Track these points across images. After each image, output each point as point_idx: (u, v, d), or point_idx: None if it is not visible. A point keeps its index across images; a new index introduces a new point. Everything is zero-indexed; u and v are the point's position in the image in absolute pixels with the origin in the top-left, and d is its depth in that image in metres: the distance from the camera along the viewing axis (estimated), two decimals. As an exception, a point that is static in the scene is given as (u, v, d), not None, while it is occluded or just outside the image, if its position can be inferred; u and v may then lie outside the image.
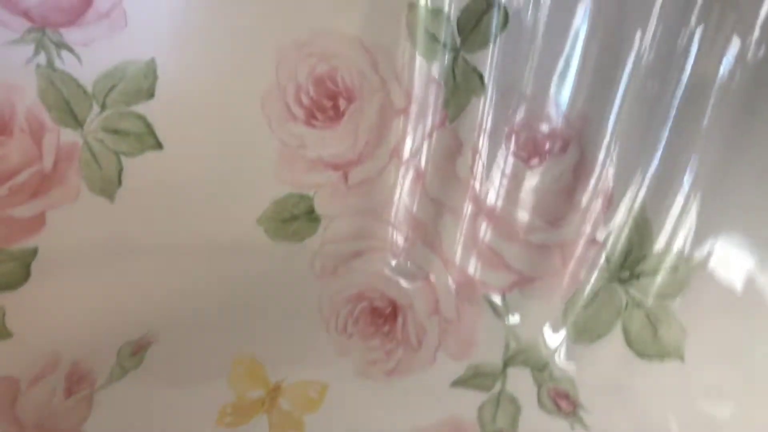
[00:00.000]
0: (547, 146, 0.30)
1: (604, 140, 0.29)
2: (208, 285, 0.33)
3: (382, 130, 0.33)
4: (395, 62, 0.31)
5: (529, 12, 0.28)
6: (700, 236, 0.28)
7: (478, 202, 0.32)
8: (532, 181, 0.31)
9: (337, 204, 0.33)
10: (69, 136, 0.31)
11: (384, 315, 0.34)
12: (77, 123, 0.31)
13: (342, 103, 0.32)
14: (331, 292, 0.34)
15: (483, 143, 0.31)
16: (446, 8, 0.29)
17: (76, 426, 0.32)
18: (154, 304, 0.34)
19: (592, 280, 0.30)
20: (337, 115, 0.33)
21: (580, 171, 0.30)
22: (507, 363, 0.33)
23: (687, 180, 0.28)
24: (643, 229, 0.29)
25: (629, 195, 0.29)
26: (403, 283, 0.34)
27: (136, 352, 0.34)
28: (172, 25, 0.31)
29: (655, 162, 0.28)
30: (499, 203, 0.32)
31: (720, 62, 0.26)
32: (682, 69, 0.27)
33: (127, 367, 0.33)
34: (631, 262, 0.29)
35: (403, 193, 0.33)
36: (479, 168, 0.32)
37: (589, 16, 0.28)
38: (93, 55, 0.31)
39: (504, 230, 0.32)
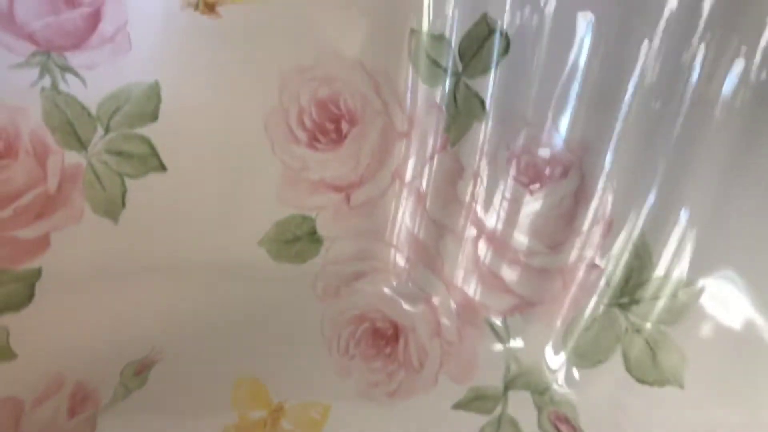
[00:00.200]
0: (548, 171, 0.30)
1: (604, 166, 0.29)
2: (211, 305, 0.34)
3: (383, 153, 0.33)
4: (397, 86, 0.31)
5: (530, 39, 0.28)
6: (699, 264, 0.28)
7: (480, 225, 0.32)
8: (532, 205, 0.31)
9: (339, 225, 0.33)
10: (73, 158, 0.32)
11: (386, 337, 0.34)
12: (81, 145, 0.32)
13: (344, 126, 0.33)
14: (333, 314, 0.34)
15: (484, 167, 0.31)
16: (448, 34, 0.29)
17: (78, 446, 0.32)
18: (158, 325, 0.34)
19: (592, 305, 0.30)
20: (340, 137, 0.33)
21: (580, 196, 0.30)
22: (508, 386, 0.33)
23: (687, 206, 0.28)
24: (642, 255, 0.29)
25: (629, 221, 0.29)
26: (405, 305, 0.34)
27: (139, 372, 0.34)
28: (176, 48, 0.31)
29: (656, 188, 0.28)
30: (500, 227, 0.32)
31: (722, 86, 0.26)
32: (683, 93, 0.27)
33: (131, 387, 0.33)
34: (631, 287, 0.29)
35: (404, 215, 0.33)
36: (480, 192, 0.32)
37: (589, 43, 0.28)
38: (97, 78, 0.31)
39: (505, 254, 0.32)
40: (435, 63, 0.31)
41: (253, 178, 0.33)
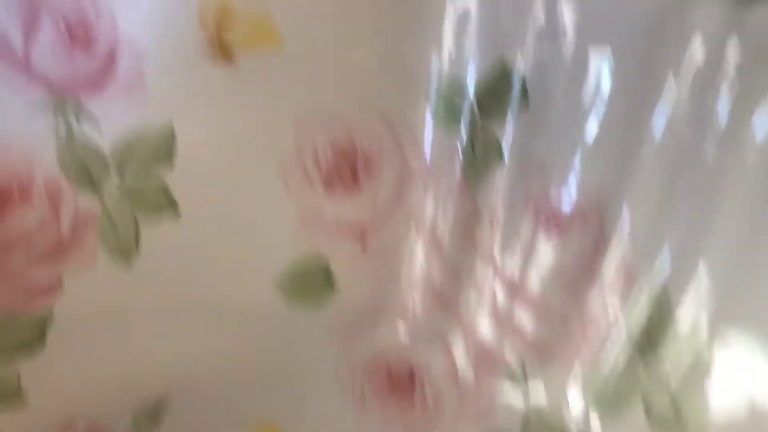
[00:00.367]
0: (567, 217, 0.30)
1: (624, 214, 0.29)
2: (225, 350, 0.33)
3: (400, 197, 0.32)
4: (414, 130, 0.31)
5: (548, 84, 0.28)
6: (723, 317, 0.27)
7: (497, 270, 0.32)
8: (551, 251, 0.30)
9: (355, 269, 0.33)
10: (87, 201, 0.32)
11: (401, 382, 0.34)
12: (95, 188, 0.31)
13: (360, 169, 0.32)
14: (348, 358, 0.33)
15: (502, 212, 0.31)
16: (465, 79, 0.29)
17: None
18: (171, 369, 0.33)
19: (613, 354, 0.30)
20: (356, 181, 0.32)
21: (599, 244, 0.29)
22: (526, 434, 0.32)
23: (709, 258, 0.27)
24: (663, 307, 0.28)
25: (650, 270, 0.28)
26: (421, 349, 0.33)
27: (152, 416, 0.34)
28: (191, 93, 0.31)
29: (678, 237, 0.28)
30: (518, 272, 0.31)
31: (751, 132, 0.26)
32: (708, 139, 0.26)
33: (144, 431, 0.33)
34: (652, 339, 0.29)
35: (421, 258, 0.33)
36: (498, 236, 0.31)
37: (609, 87, 0.27)
38: (112, 122, 0.31)
39: (523, 300, 0.31)
40: (452, 107, 0.30)
41: (268, 221, 0.33)
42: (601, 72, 0.27)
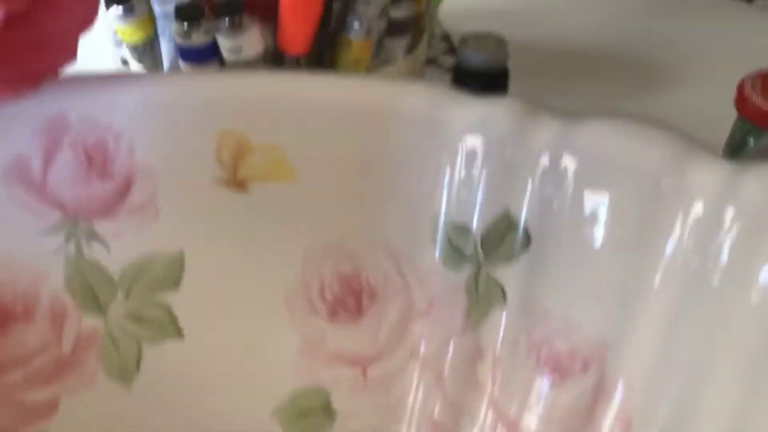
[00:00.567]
0: (568, 364, 0.30)
1: (625, 363, 0.28)
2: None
3: (402, 331, 0.33)
4: (419, 268, 0.32)
5: (551, 233, 0.29)
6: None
7: (499, 411, 0.31)
8: (551, 397, 0.30)
9: (355, 401, 0.33)
10: (91, 321, 0.32)
11: None
12: (100, 309, 0.32)
13: (365, 301, 0.33)
14: (344, 493, 0.33)
15: (504, 353, 0.31)
16: (470, 224, 0.30)
17: None
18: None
19: None
20: (360, 312, 0.33)
21: (599, 393, 0.29)
22: None
23: (711, 411, 0.27)
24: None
25: (649, 423, 0.28)
26: (418, 490, 0.33)
27: None
28: (202, 221, 0.32)
29: (678, 388, 0.27)
30: (517, 415, 0.31)
31: (750, 292, 0.26)
32: (707, 294, 0.26)
33: None
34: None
35: (421, 394, 0.33)
36: (500, 377, 0.31)
37: (610, 239, 0.28)
38: (122, 246, 0.31)
39: (523, 444, 0.31)
40: (457, 250, 0.31)
41: (271, 350, 0.33)
42: (601, 221, 0.28)
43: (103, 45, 0.43)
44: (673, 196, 0.27)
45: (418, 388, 0.33)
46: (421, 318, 0.32)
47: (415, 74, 0.45)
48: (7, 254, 0.31)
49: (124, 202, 0.31)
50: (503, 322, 0.31)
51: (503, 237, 0.30)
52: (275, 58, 0.39)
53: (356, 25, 0.40)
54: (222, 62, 0.38)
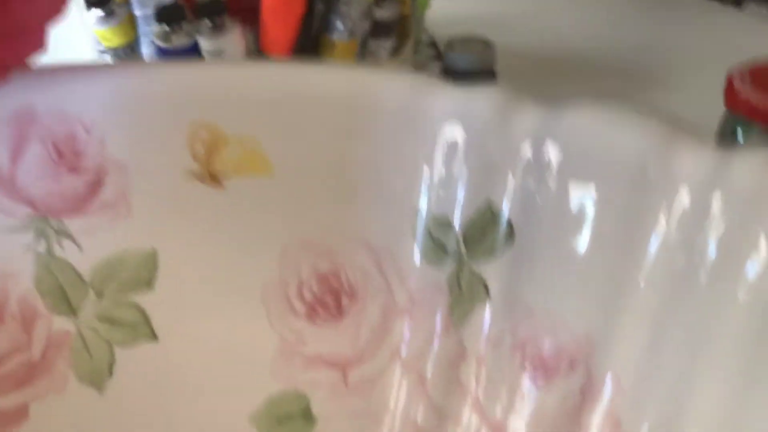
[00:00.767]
0: (553, 363, 0.28)
1: (612, 362, 0.27)
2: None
3: (384, 331, 0.31)
4: (400, 265, 0.31)
5: (534, 226, 0.28)
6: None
7: (482, 413, 0.30)
8: (537, 397, 0.29)
9: (335, 405, 0.32)
10: (61, 323, 0.31)
11: None
12: (71, 311, 0.31)
13: (345, 300, 0.32)
14: (324, 502, 0.32)
15: (488, 353, 0.30)
16: (452, 218, 0.29)
17: None
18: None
19: None
20: (339, 312, 0.32)
21: (587, 393, 0.28)
22: None
23: (700, 410, 0.26)
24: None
25: (638, 422, 0.27)
26: (401, 497, 0.31)
27: None
28: (176, 218, 0.31)
29: (666, 387, 0.26)
30: (503, 417, 0.30)
31: (737, 284, 0.25)
32: (694, 288, 0.25)
33: None
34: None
35: (403, 397, 0.31)
36: (483, 378, 0.30)
37: (595, 231, 0.27)
38: (94, 244, 0.31)
39: (508, 447, 0.30)
40: (438, 244, 0.30)
41: (247, 350, 0.32)
42: (586, 216, 0.27)
43: (83, 46, 0.42)
44: (658, 185, 0.26)
45: (400, 390, 0.32)
46: (402, 317, 0.31)
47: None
48: (-26, 253, 0.30)
49: (96, 197, 0.30)
50: (487, 319, 0.30)
51: (486, 231, 0.29)
52: (255, 57, 0.38)
53: (339, 25, 0.39)
54: (200, 60, 0.37)
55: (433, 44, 0.50)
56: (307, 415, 0.32)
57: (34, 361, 0.31)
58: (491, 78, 0.42)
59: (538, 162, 0.28)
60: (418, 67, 0.47)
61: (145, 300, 0.31)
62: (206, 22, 0.39)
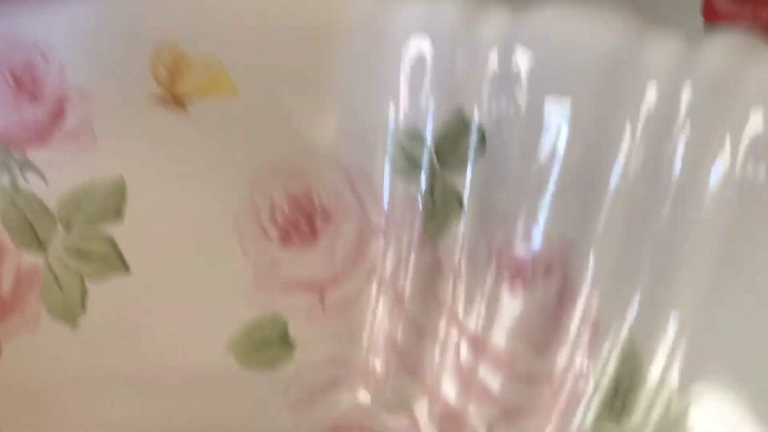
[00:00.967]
0: (530, 270, 0.28)
1: (588, 264, 0.27)
2: (176, 416, 0.31)
3: (359, 251, 0.31)
4: (372, 181, 0.30)
5: (506, 133, 0.27)
6: (694, 370, 0.26)
7: (461, 327, 0.30)
8: (515, 306, 0.29)
9: (313, 328, 0.32)
10: (30, 259, 0.30)
11: (363, 450, 0.32)
12: (40, 245, 0.30)
13: (318, 222, 0.31)
14: (306, 425, 0.32)
15: (464, 265, 0.30)
16: (423, 129, 0.28)
17: None
18: (116, 437, 0.31)
19: (581, 414, 0.28)
20: (313, 234, 0.31)
21: (564, 296, 0.28)
22: (495, 504, 0.30)
23: (677, 307, 0.26)
24: (632, 360, 0.27)
25: (616, 322, 0.27)
26: (383, 415, 0.31)
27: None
28: (142, 144, 0.30)
29: (643, 287, 0.26)
30: (482, 329, 0.30)
31: (707, 180, 0.25)
32: (666, 188, 0.25)
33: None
34: (621, 395, 0.27)
35: (382, 316, 0.31)
36: (461, 291, 0.30)
37: (566, 136, 0.27)
38: (59, 175, 0.30)
39: (488, 359, 0.30)
40: (410, 158, 0.29)
41: (222, 277, 0.31)
42: (558, 120, 0.27)
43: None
44: (629, 85, 0.26)
45: (377, 310, 0.32)
46: (377, 236, 0.31)
47: None
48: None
49: (59, 127, 0.30)
50: (461, 231, 0.30)
51: (458, 141, 0.28)
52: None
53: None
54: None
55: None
56: (284, 340, 0.32)
57: (4, 299, 0.30)
58: None
59: (508, 69, 0.28)
60: None
61: (115, 231, 0.31)
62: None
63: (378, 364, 0.32)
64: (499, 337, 0.30)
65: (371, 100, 0.30)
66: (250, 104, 0.30)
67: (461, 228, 0.30)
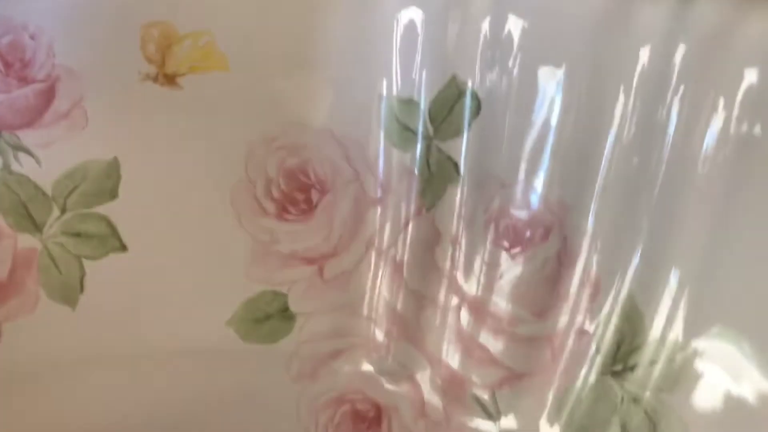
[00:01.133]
0: (528, 234, 0.29)
1: (586, 226, 0.28)
2: (178, 393, 0.32)
3: (357, 222, 0.31)
4: (368, 153, 0.30)
5: (501, 99, 0.27)
6: (696, 324, 0.26)
7: (461, 293, 0.30)
8: (514, 270, 0.29)
9: (313, 300, 0.32)
10: (27, 241, 0.30)
11: (367, 419, 0.32)
12: (36, 227, 0.30)
13: (314, 195, 0.31)
14: (310, 396, 0.32)
15: (462, 232, 0.30)
16: (417, 98, 0.28)
17: None
18: (121, 417, 0.32)
19: (584, 374, 0.28)
20: (310, 207, 0.31)
21: (563, 258, 0.28)
22: (500, 467, 0.31)
23: (676, 264, 0.26)
24: (633, 318, 0.27)
25: (617, 282, 0.27)
26: (386, 383, 0.32)
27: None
28: (135, 122, 0.30)
29: (642, 247, 0.27)
30: (482, 294, 0.30)
31: (702, 141, 0.25)
32: (661, 149, 0.26)
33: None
34: (623, 353, 0.28)
35: (381, 286, 0.31)
36: (460, 258, 0.30)
37: (560, 101, 0.27)
38: (52, 157, 0.30)
39: (489, 323, 0.30)
40: (405, 127, 0.29)
41: (220, 254, 0.31)
42: (552, 86, 0.27)
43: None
44: (621, 47, 0.26)
45: (376, 280, 0.32)
46: (374, 206, 0.31)
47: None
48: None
49: (49, 108, 0.29)
50: (458, 198, 0.30)
51: (452, 106, 0.28)
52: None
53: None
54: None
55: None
56: (285, 313, 0.32)
57: (2, 282, 0.30)
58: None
59: (500, 37, 0.28)
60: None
61: (111, 210, 0.30)
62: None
63: (379, 333, 0.32)
64: (499, 302, 0.30)
65: (364, 72, 0.30)
66: (243, 79, 0.30)
67: (458, 195, 0.30)
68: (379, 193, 0.31)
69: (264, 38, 0.29)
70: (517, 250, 0.29)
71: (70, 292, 0.31)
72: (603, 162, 0.28)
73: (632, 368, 0.28)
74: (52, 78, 0.29)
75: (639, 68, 0.26)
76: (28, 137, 0.30)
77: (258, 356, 0.31)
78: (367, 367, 0.32)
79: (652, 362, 0.27)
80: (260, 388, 0.32)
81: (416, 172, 0.30)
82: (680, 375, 0.26)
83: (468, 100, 0.28)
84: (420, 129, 0.29)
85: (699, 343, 0.26)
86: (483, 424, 0.31)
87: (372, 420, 0.32)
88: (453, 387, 0.31)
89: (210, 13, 0.29)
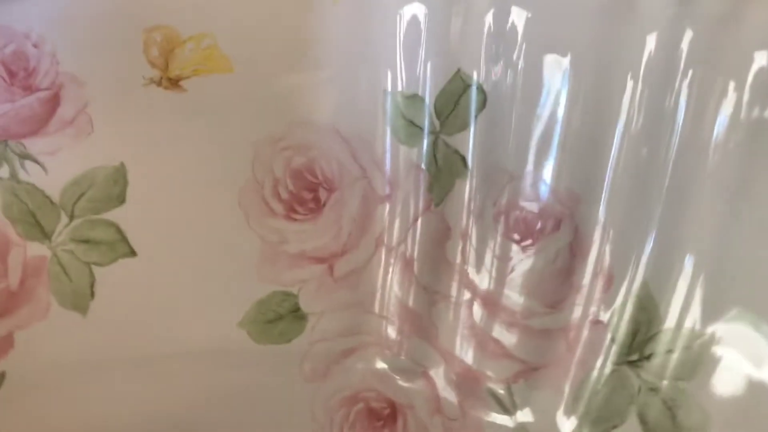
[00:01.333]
0: (539, 226, 0.29)
1: (598, 216, 0.27)
2: (191, 396, 0.31)
3: (365, 219, 0.31)
4: (374, 149, 0.30)
5: (507, 91, 0.27)
6: (712, 311, 0.26)
7: (473, 288, 0.30)
8: (526, 262, 0.29)
9: (324, 299, 0.32)
10: (36, 249, 0.30)
11: (382, 417, 0.32)
12: (45, 235, 0.30)
13: (322, 194, 0.31)
14: (324, 396, 0.32)
15: (472, 226, 0.30)
16: (422, 93, 0.28)
17: None
18: (135, 421, 0.31)
19: (600, 364, 0.28)
20: (318, 206, 0.31)
21: (576, 250, 0.28)
22: (517, 461, 0.30)
23: (690, 252, 0.26)
24: (648, 307, 0.27)
25: (630, 272, 0.27)
26: (401, 380, 0.32)
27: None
28: (140, 127, 0.30)
29: (654, 235, 0.27)
30: (494, 288, 0.30)
31: (712, 127, 0.25)
32: (671, 137, 0.25)
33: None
34: (639, 342, 0.27)
35: (392, 283, 0.31)
36: (470, 252, 0.30)
37: (567, 91, 0.27)
38: (59, 164, 0.30)
39: (502, 316, 0.30)
40: (411, 123, 0.29)
41: (229, 256, 0.31)
42: (558, 77, 0.27)
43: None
44: (628, 37, 0.26)
45: (387, 277, 0.32)
46: (382, 203, 0.31)
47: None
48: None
49: (55, 115, 0.29)
50: (467, 192, 0.30)
51: (457, 100, 0.28)
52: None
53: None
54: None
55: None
56: (296, 313, 0.32)
57: (13, 291, 0.30)
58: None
59: (504, 30, 0.28)
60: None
61: (119, 216, 0.30)
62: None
63: (391, 330, 0.32)
64: (512, 295, 0.30)
65: (368, 69, 0.30)
66: (246, 80, 0.30)
67: (467, 189, 0.30)
68: (387, 190, 0.31)
69: (266, 38, 0.29)
70: (528, 242, 0.29)
71: (80, 299, 0.31)
72: (612, 151, 0.27)
73: (648, 357, 0.27)
74: (56, 85, 0.29)
75: (646, 55, 0.26)
76: (34, 145, 0.30)
77: (271, 357, 0.31)
78: (380, 364, 0.32)
79: (669, 350, 0.27)
80: (274, 389, 0.32)
81: (423, 167, 0.30)
82: (698, 362, 0.26)
83: (473, 94, 0.28)
84: (426, 124, 0.29)
85: (717, 328, 0.26)
86: (499, 419, 0.31)
87: (387, 418, 0.32)
88: (468, 382, 0.31)
89: (211, 15, 0.28)
